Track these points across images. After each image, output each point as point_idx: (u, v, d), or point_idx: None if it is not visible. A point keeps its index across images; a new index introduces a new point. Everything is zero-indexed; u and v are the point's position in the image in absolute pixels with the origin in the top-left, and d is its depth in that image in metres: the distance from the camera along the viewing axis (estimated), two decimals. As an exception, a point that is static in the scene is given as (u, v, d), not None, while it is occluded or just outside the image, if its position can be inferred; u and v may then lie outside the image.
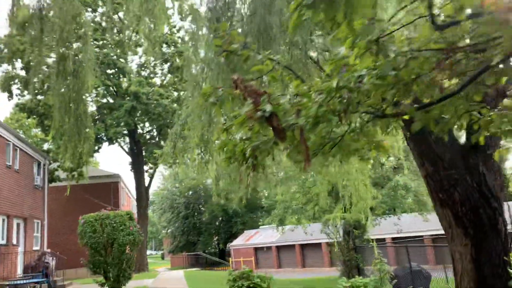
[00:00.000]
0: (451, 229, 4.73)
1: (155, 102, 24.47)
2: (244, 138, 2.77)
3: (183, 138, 7.99)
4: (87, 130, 10.26)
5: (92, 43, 23.90)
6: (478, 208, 4.59)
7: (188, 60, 7.55)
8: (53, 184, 23.88)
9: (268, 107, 2.31)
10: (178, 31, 26.43)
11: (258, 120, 2.39)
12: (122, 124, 24.18)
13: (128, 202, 37.42)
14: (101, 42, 24.86)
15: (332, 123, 2.60)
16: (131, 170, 29.97)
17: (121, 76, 25.95)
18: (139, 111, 24.66)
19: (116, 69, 25.25)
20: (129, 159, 30.13)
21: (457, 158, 4.85)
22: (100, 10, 26.03)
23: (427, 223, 18.49)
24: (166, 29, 26.77)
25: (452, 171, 4.78)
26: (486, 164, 4.84)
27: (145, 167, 30.29)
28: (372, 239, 15.71)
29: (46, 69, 13.78)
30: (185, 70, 7.64)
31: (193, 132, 6.76)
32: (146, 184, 30.11)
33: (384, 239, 25.09)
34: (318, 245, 32.41)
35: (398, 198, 15.70)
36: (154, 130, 29.01)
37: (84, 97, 10.74)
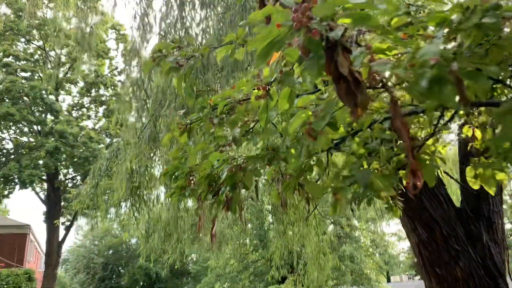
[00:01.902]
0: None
1: (83, 145, 22.13)
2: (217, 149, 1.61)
3: (109, 177, 6.46)
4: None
5: (17, 74, 21.70)
6: (483, 289, 3.60)
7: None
8: None
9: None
10: (119, 73, 24.98)
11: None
12: (40, 166, 21.32)
13: (37, 258, 32.78)
14: (29, 74, 22.54)
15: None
16: (44, 221, 26.32)
17: (48, 113, 23.47)
18: (63, 154, 22.07)
19: (44, 106, 22.82)
20: (43, 208, 26.58)
21: (457, 225, 3.93)
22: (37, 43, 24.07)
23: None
24: (106, 71, 25.26)
25: (451, 240, 3.83)
26: (489, 234, 3.96)
27: (62, 219, 26.82)
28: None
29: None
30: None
31: (121, 167, 5.35)
32: (60, 239, 26.44)
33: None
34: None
35: (343, 272, 14.50)
36: (78, 177, 26.12)
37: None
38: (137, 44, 5.01)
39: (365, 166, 2.53)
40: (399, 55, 1.58)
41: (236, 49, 2.24)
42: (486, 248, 3.82)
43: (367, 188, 1.90)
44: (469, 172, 2.56)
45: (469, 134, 2.63)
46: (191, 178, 2.81)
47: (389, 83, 1.52)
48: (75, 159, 22.82)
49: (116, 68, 25.02)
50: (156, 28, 4.71)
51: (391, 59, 1.57)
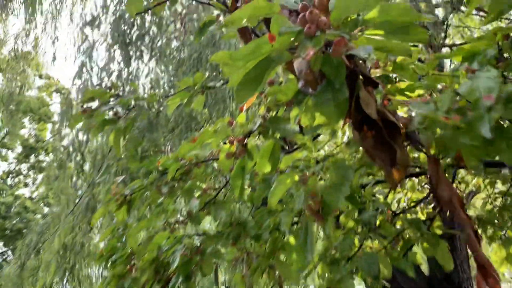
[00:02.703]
0: None
1: (17, 216, 19.96)
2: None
3: (38, 254, 5.41)
4: None
5: None
6: None
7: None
8: None
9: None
10: (62, 138, 23.49)
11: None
12: (-37, 241, 18.76)
13: None
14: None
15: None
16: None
17: (-22, 182, 21.24)
18: (-7, 227, 19.69)
19: (-26, 174, 20.66)
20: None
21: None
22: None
23: None
24: (48, 135, 23.84)
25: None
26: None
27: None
28: None
29: None
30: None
31: (52, 243, 4.44)
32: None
33: None
34: None
35: None
36: (9, 252, 23.33)
37: None
38: (73, 98, 4.42)
39: (356, 243, 2.03)
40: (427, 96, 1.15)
41: (194, 97, 1.76)
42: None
43: (377, 278, 1.38)
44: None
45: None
46: (132, 263, 2.17)
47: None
48: (7, 232, 20.48)
49: (59, 132, 23.60)
50: (96, 80, 4.18)
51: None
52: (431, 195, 2.31)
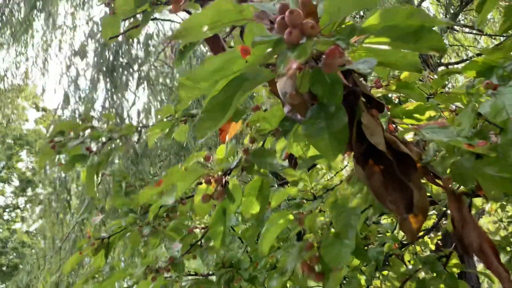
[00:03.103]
0: None
1: (13, 251, 19.46)
2: None
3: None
4: None
5: None
6: None
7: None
8: None
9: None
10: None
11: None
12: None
13: None
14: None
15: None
16: None
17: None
18: (-12, 264, 19.18)
19: (-31, 210, 20.27)
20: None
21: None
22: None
23: None
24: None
25: None
26: None
27: None
28: None
29: None
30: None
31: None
32: None
33: None
34: None
35: None
36: (6, 290, 22.67)
37: None
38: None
39: (363, 283, 1.82)
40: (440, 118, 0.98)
41: (176, 126, 1.58)
42: None
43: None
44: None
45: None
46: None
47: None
48: (3, 268, 19.96)
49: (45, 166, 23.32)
50: (82, 111, 4.01)
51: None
52: (439, 223, 2.11)
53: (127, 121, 3.98)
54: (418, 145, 0.78)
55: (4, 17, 6.52)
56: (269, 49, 0.52)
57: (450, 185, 0.82)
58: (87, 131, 1.67)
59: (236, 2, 0.55)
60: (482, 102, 0.88)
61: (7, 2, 6.58)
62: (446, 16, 4.93)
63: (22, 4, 6.55)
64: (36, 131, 19.62)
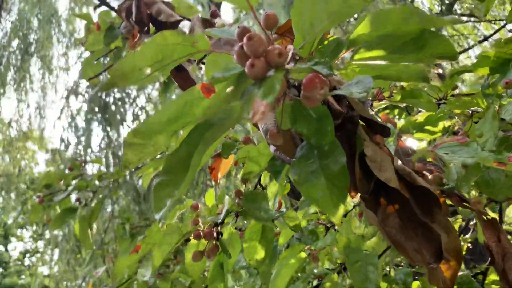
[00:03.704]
0: None
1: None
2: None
3: None
4: None
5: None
6: None
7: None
8: None
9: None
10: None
11: None
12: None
13: None
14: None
15: None
16: None
17: (-4, 267, 20.80)
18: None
19: (-9, 259, 20.26)
20: None
21: None
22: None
23: None
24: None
25: None
26: None
27: None
28: None
29: None
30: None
31: None
32: None
33: None
34: None
35: None
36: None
37: None
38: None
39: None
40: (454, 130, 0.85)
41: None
42: None
43: None
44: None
45: None
46: None
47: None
48: (29, 315, 19.85)
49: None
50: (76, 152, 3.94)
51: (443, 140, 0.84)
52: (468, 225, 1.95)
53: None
54: (449, 172, 0.65)
55: (2, 67, 6.56)
56: (232, 87, 0.40)
57: (480, 209, 0.69)
58: (78, 180, 1.57)
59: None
60: (503, 105, 0.76)
61: (3, 51, 6.63)
62: (441, 8, 4.80)
63: (17, 52, 6.60)
64: (47, 173, 19.77)
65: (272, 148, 0.57)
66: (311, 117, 0.44)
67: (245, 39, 0.37)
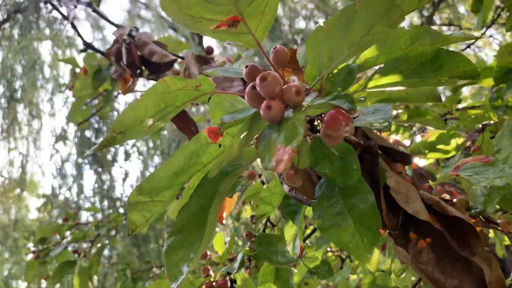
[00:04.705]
0: None
1: None
2: None
3: None
4: None
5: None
6: None
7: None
8: None
9: None
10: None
11: None
12: None
13: None
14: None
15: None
16: None
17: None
18: None
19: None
20: None
21: None
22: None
23: None
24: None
25: None
26: None
27: None
28: None
29: None
30: None
31: None
32: None
33: None
34: None
35: None
36: None
37: None
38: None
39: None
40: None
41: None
42: None
43: None
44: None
45: None
46: None
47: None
48: None
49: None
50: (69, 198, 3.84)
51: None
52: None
53: (124, 195, 3.80)
54: (473, 194, 0.61)
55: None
56: (245, 133, 0.36)
57: (509, 229, 0.64)
58: (74, 230, 1.50)
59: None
60: (517, 116, 0.72)
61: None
62: (421, 21, 4.89)
63: (2, 100, 6.56)
64: (39, 219, 19.41)
65: (286, 188, 0.53)
66: (333, 155, 0.40)
67: (258, 80, 0.33)
